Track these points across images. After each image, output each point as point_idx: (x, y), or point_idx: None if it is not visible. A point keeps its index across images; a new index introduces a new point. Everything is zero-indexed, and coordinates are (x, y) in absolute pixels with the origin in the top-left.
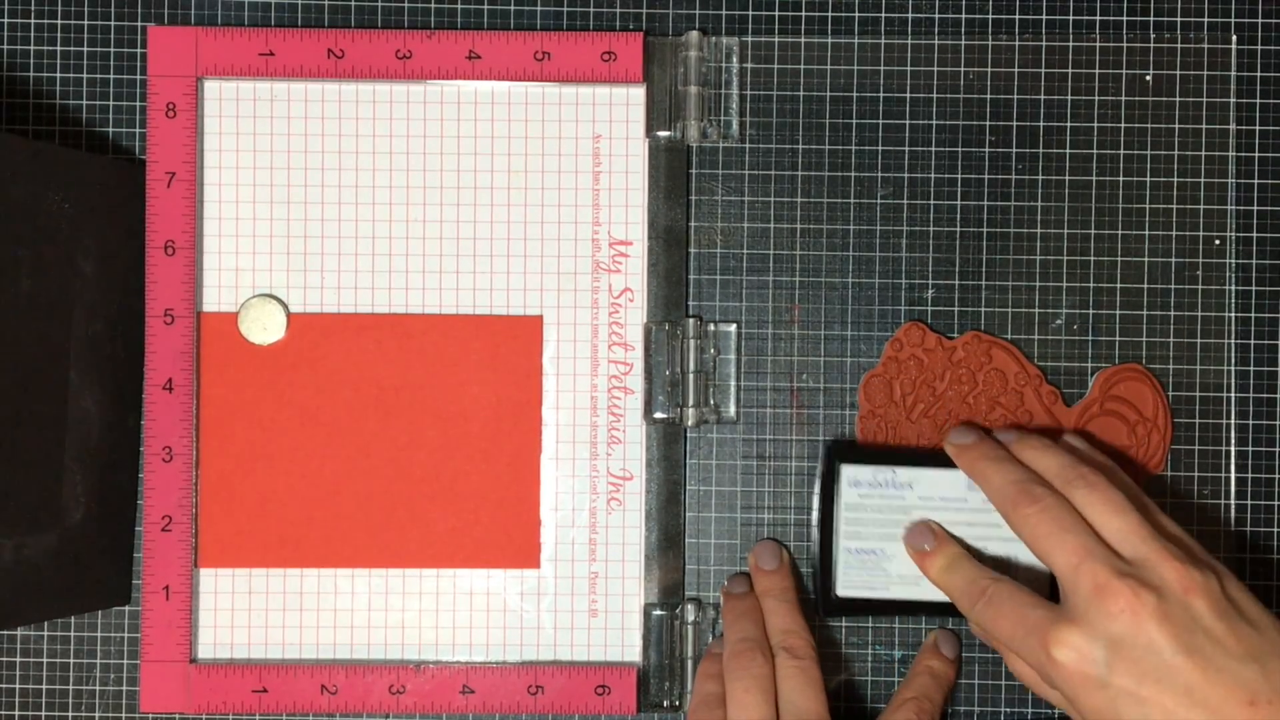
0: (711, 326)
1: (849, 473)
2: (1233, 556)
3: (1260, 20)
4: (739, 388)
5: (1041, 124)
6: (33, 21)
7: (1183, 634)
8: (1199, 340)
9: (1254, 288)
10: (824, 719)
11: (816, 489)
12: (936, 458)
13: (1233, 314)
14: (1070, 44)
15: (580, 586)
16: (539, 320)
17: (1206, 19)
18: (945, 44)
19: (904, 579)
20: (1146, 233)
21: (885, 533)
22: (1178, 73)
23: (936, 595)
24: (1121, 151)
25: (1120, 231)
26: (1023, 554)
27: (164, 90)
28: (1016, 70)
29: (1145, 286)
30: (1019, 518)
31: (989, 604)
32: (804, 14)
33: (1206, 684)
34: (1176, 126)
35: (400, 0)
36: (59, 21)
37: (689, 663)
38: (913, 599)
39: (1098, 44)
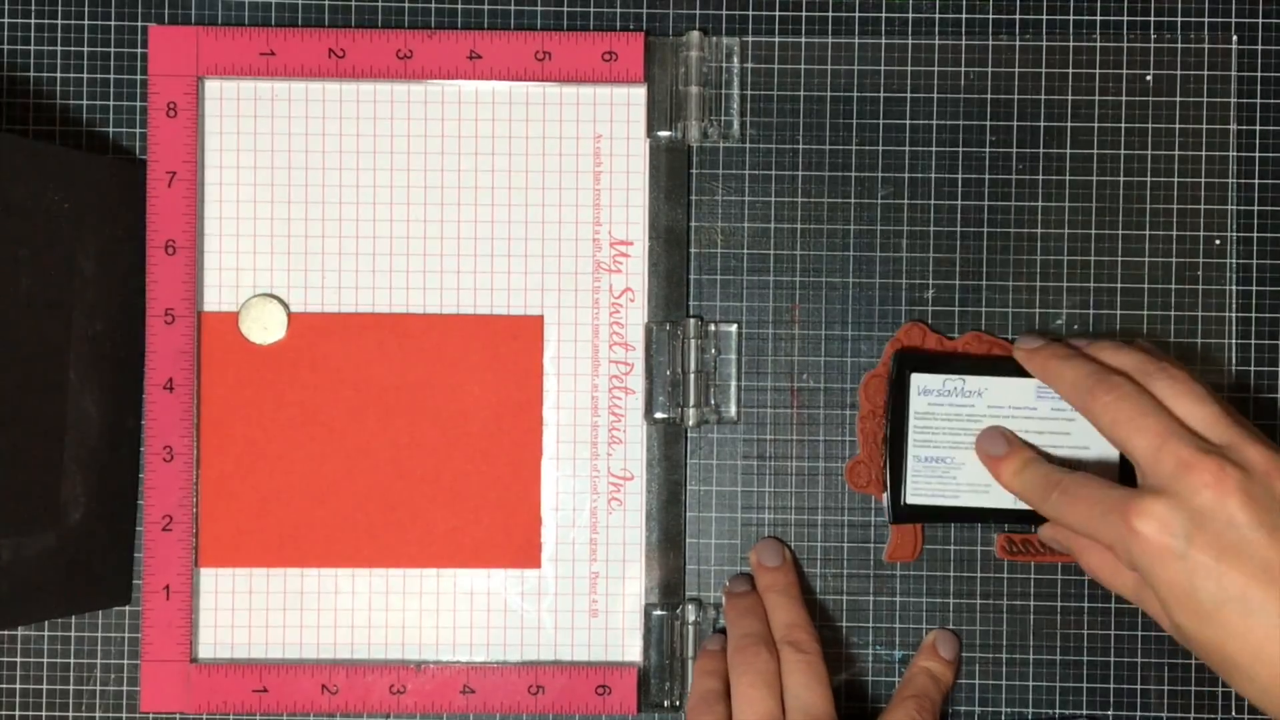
0: (712, 326)
1: (919, 381)
2: None
3: (1260, 20)
4: (739, 388)
5: (1041, 124)
6: (33, 21)
7: (1264, 512)
8: (1199, 340)
9: (1254, 288)
10: (830, 713)
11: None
12: (1004, 366)
13: (1233, 314)
14: (1070, 44)
15: (580, 586)
16: (539, 320)
17: (1206, 19)
18: (945, 44)
19: (973, 487)
20: (1146, 233)
21: (955, 441)
22: (1178, 73)
23: (1005, 503)
24: (1121, 151)
25: (1120, 231)
26: (1091, 461)
27: (164, 90)
28: (1016, 70)
29: (1145, 286)
30: (1098, 406)
31: (1064, 493)
32: (804, 14)
33: None
34: (1176, 126)
35: (400, 0)
36: (59, 21)
37: (689, 663)
38: (982, 506)
39: (1098, 44)
